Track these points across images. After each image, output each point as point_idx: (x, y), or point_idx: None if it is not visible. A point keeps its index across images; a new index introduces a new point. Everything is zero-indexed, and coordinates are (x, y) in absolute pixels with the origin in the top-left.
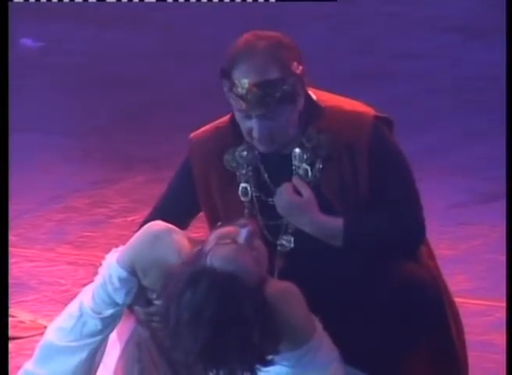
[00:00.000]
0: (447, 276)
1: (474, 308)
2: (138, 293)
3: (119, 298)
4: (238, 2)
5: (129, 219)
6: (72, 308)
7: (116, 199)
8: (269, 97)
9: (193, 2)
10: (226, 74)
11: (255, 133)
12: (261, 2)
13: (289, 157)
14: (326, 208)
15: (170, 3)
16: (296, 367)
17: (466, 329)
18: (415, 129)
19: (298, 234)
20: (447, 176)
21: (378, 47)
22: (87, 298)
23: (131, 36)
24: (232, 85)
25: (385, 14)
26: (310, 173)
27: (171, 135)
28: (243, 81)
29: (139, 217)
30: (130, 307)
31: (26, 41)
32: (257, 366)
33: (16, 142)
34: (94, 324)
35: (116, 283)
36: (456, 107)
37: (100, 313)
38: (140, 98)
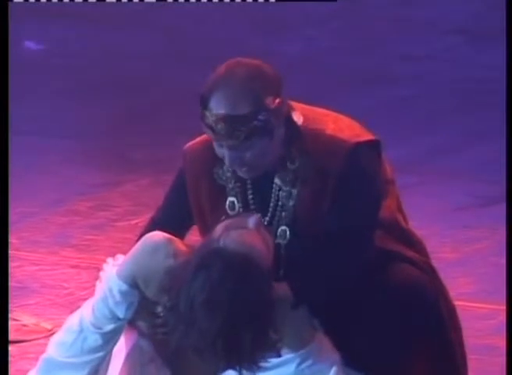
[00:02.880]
0: (450, 279)
1: (478, 311)
2: (140, 307)
3: (120, 313)
4: (238, 3)
5: (133, 222)
6: (73, 322)
7: (119, 202)
8: (237, 131)
9: (194, 3)
10: (203, 103)
11: (227, 162)
12: (261, 3)
13: (274, 176)
14: (300, 232)
15: (172, 3)
16: (298, 371)
17: (469, 332)
18: (416, 131)
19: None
20: (450, 179)
21: (378, 49)
22: (87, 312)
23: (134, 38)
24: (203, 115)
25: (386, 16)
26: (292, 195)
27: (174, 138)
28: (212, 113)
29: (142, 220)
30: (131, 322)
31: (29, 44)
32: (264, 359)
33: (19, 145)
34: (94, 339)
35: (117, 297)
36: (459, 109)
37: (101, 328)
38: (143, 100)
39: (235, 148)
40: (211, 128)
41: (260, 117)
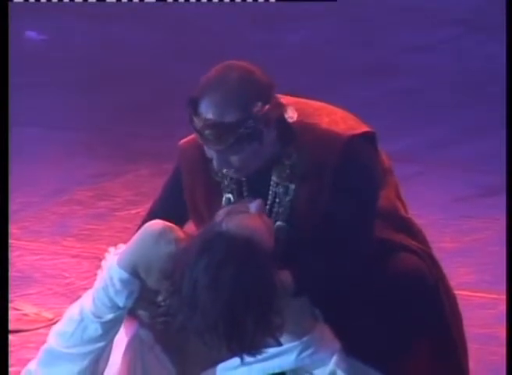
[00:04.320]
0: (450, 269)
1: (478, 300)
2: (140, 296)
3: (120, 301)
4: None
5: (133, 212)
6: (73, 312)
7: (120, 192)
8: (223, 136)
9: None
10: (192, 107)
11: (214, 165)
12: (261, 2)
13: (270, 172)
14: (298, 226)
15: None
16: (299, 360)
17: (469, 322)
18: (417, 122)
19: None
20: (450, 169)
21: (379, 41)
22: (87, 301)
23: (134, 31)
24: (191, 120)
25: (387, 8)
26: (288, 190)
27: (174, 129)
28: (200, 118)
29: (143, 210)
30: (132, 312)
31: (31, 34)
32: (265, 344)
33: (20, 136)
34: (94, 329)
35: (118, 285)
36: (459, 100)
37: (101, 317)
38: (143, 92)
39: (222, 152)
40: (199, 132)
41: (247, 125)
